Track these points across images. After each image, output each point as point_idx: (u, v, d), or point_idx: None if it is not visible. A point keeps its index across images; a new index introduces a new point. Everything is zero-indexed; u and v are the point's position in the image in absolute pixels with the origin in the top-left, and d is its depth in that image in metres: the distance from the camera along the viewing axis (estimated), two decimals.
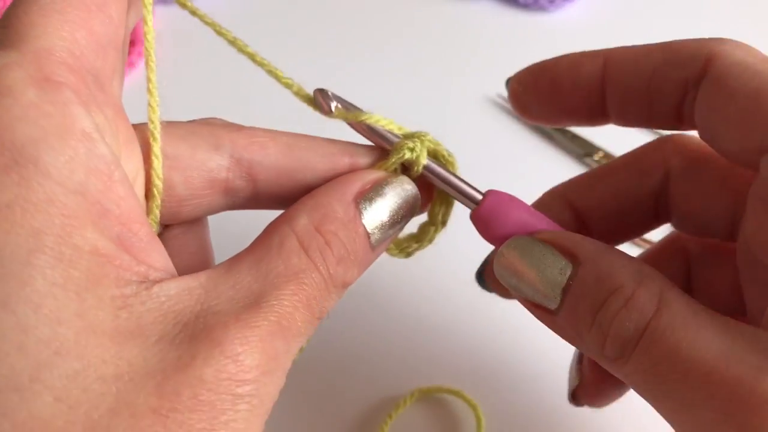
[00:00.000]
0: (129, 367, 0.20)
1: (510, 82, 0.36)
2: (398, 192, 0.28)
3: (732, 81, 0.27)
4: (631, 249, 0.36)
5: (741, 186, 0.30)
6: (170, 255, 0.28)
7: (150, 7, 0.27)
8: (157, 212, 0.27)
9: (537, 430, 0.42)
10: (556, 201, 0.35)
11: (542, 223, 0.30)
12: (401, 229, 0.29)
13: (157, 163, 0.26)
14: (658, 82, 0.30)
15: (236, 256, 0.25)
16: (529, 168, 0.56)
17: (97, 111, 0.23)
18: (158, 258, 0.23)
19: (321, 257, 0.25)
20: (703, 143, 0.30)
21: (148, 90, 0.27)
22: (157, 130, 0.26)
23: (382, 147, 0.30)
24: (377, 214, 0.27)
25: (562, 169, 0.56)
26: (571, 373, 0.38)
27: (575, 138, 0.57)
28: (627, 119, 0.33)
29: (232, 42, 0.30)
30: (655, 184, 0.33)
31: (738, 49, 0.28)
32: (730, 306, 0.32)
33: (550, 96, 0.34)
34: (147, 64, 0.28)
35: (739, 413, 0.21)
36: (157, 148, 0.26)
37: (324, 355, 0.45)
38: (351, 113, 0.29)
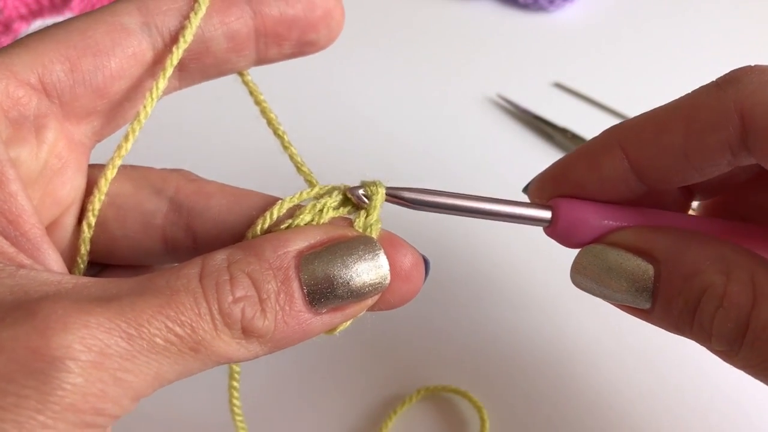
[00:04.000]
0: None
1: (529, 194, 0.32)
2: (359, 254, 0.25)
3: None
4: None
5: None
6: None
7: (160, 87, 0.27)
8: (84, 246, 0.28)
9: None
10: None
11: (618, 215, 0.29)
12: (365, 298, 0.25)
13: (98, 197, 0.27)
14: (697, 157, 0.27)
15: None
16: (529, 168, 0.56)
17: (24, 127, 0.25)
18: (48, 260, 0.24)
19: (214, 289, 0.22)
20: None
21: (125, 136, 0.28)
22: (111, 170, 0.27)
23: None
24: (324, 273, 0.24)
25: None
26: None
27: (575, 138, 0.57)
28: (699, 194, 0.33)
29: (273, 125, 0.30)
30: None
31: (763, 92, 0.25)
32: None
33: (577, 196, 0.30)
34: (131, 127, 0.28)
35: None
36: (103, 184, 0.27)
37: (332, 350, 0.45)
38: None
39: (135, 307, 0.21)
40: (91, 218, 0.27)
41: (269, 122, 0.30)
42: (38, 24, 0.67)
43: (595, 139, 0.30)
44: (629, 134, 0.29)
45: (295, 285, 0.24)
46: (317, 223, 0.26)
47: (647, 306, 0.27)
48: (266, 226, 0.26)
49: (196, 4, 0.27)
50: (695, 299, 0.26)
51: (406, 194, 0.27)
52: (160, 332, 0.21)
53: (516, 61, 0.66)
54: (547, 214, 0.28)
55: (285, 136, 0.29)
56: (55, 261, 0.24)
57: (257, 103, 0.30)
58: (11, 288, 0.21)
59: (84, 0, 0.70)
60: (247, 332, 0.23)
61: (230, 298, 0.22)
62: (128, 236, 0.28)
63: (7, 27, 0.67)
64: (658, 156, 0.28)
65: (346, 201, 0.27)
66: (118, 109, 0.27)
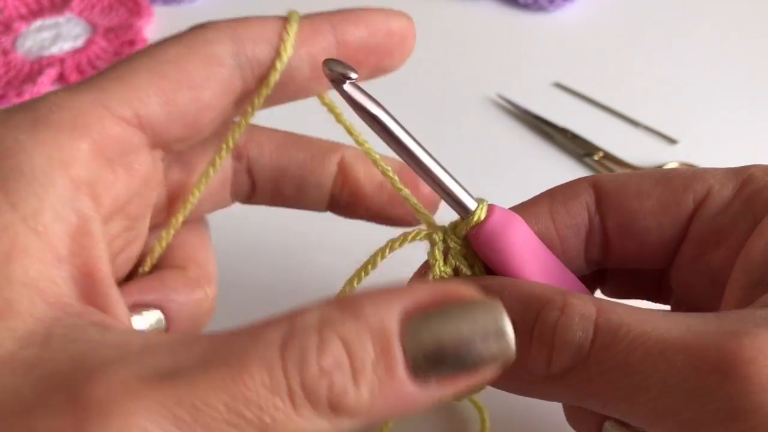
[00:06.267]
0: None
1: None
2: (477, 320, 0.20)
3: (631, 187, 0.29)
4: None
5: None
6: (178, 265, 0.30)
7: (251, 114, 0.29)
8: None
9: None
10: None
11: (544, 252, 0.29)
12: (481, 372, 0.20)
13: (177, 224, 0.30)
14: (559, 218, 0.30)
15: (221, 331, 0.20)
16: (529, 168, 0.56)
17: (119, 165, 0.25)
18: (118, 311, 0.23)
19: (297, 357, 0.19)
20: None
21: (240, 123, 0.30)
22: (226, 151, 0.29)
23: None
24: (433, 342, 0.20)
25: (562, 169, 0.56)
26: None
27: (575, 138, 0.57)
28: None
29: (362, 144, 0.30)
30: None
31: (607, 175, 0.30)
32: None
33: None
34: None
35: (734, 371, 0.21)
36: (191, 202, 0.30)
37: None
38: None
39: (195, 386, 0.18)
40: (164, 242, 0.30)
41: (358, 142, 0.29)
42: (38, 24, 0.67)
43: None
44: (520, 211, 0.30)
45: (398, 352, 0.19)
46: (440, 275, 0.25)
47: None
48: (365, 275, 0.25)
49: (285, 34, 0.27)
50: (534, 315, 0.24)
51: (347, 87, 0.25)
52: (220, 415, 0.18)
53: (516, 61, 0.66)
54: (477, 207, 0.27)
55: (381, 162, 0.29)
56: (123, 313, 0.23)
57: (339, 122, 0.30)
58: (73, 355, 0.19)
59: (84, 0, 0.70)
60: (336, 408, 0.19)
61: (316, 369, 0.19)
62: (212, 193, 0.31)
63: (7, 27, 0.67)
64: (530, 225, 0.29)
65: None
66: (200, 134, 0.28)
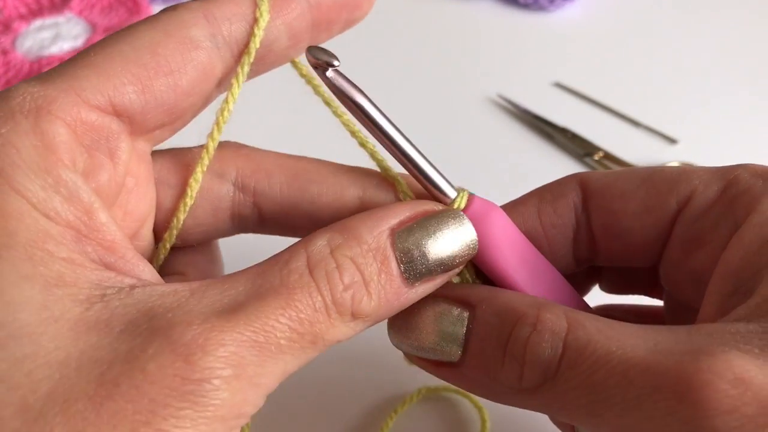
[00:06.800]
0: (80, 355, 0.21)
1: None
2: (448, 226, 0.26)
3: (616, 186, 0.29)
4: None
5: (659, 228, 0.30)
6: (178, 271, 0.29)
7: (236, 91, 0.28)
8: (164, 253, 0.28)
9: None
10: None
11: (522, 241, 0.29)
12: (453, 268, 0.26)
13: (182, 214, 0.28)
14: (547, 217, 0.31)
15: (243, 270, 0.24)
16: (529, 168, 0.56)
17: (98, 151, 0.25)
18: (150, 274, 0.24)
19: (325, 279, 0.24)
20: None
21: (206, 147, 0.28)
22: (200, 174, 0.28)
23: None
24: (417, 248, 0.25)
25: (562, 169, 0.56)
26: None
27: (575, 138, 0.57)
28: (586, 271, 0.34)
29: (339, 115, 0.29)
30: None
31: (595, 172, 0.30)
32: None
33: None
34: (217, 122, 0.28)
35: (690, 394, 0.21)
36: (194, 189, 0.28)
37: (332, 350, 0.44)
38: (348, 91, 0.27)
39: (260, 315, 0.22)
40: (174, 231, 0.28)
41: (336, 114, 0.29)
42: (38, 24, 0.67)
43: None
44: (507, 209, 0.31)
45: (393, 263, 0.25)
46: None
47: (457, 355, 0.26)
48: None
49: (258, 11, 0.26)
50: (508, 331, 0.25)
51: (330, 73, 0.26)
52: (284, 334, 0.23)
53: (516, 61, 0.66)
54: (455, 196, 0.28)
55: (359, 135, 0.29)
56: (151, 275, 0.24)
57: (317, 93, 0.29)
58: (137, 308, 0.22)
59: (84, 0, 0.70)
60: (355, 315, 0.24)
61: (341, 287, 0.24)
62: (199, 224, 0.29)
63: (7, 27, 0.67)
64: (518, 224, 0.30)
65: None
66: (181, 119, 0.27)
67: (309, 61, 0.26)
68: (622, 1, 0.71)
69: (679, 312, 0.32)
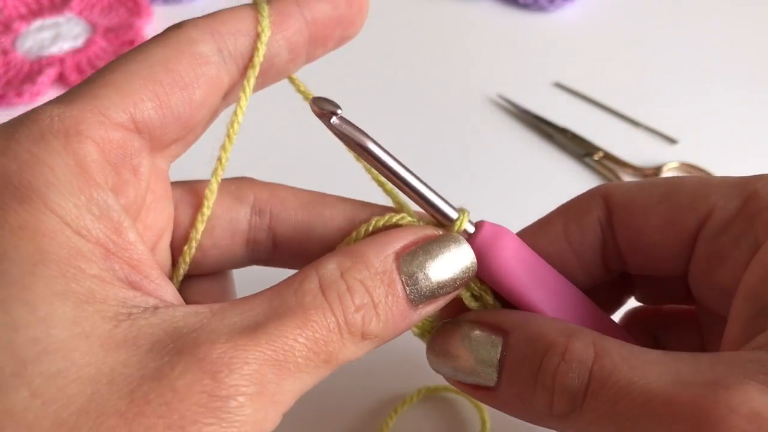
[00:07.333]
0: (110, 371, 0.21)
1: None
2: (449, 250, 0.27)
3: (638, 200, 0.30)
4: None
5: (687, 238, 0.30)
6: (194, 300, 0.29)
7: (244, 103, 0.29)
8: (184, 267, 0.29)
9: None
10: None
11: (535, 261, 0.30)
12: (454, 289, 0.28)
13: (201, 225, 0.29)
14: (573, 235, 0.32)
15: (258, 292, 0.25)
16: (529, 168, 0.56)
17: (124, 168, 0.25)
18: (172, 295, 0.25)
19: (338, 301, 0.25)
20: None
21: (219, 159, 0.29)
22: (213, 195, 0.29)
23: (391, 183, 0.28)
24: (421, 270, 0.27)
25: (562, 169, 0.56)
26: None
27: (575, 138, 0.57)
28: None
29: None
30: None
31: (617, 185, 0.31)
32: None
33: None
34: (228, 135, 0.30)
35: (707, 428, 0.21)
36: (207, 209, 0.29)
37: None
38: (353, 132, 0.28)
39: (280, 334, 0.23)
40: (193, 242, 0.29)
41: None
42: (38, 24, 0.67)
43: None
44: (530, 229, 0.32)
45: (399, 286, 0.26)
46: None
47: (492, 382, 0.27)
48: (357, 238, 0.28)
49: (260, 26, 0.28)
50: (539, 360, 0.26)
51: (335, 120, 0.27)
52: (302, 353, 0.24)
53: (516, 61, 0.66)
54: (470, 227, 0.29)
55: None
56: (173, 296, 0.25)
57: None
58: (162, 327, 0.23)
59: (84, 0, 0.70)
60: (365, 336, 0.25)
61: (352, 308, 0.25)
62: (216, 245, 0.30)
63: (7, 27, 0.67)
64: (545, 245, 0.31)
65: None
66: (193, 132, 0.28)
67: (313, 111, 0.27)
68: (622, 1, 0.71)
69: (711, 318, 0.32)
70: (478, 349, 0.28)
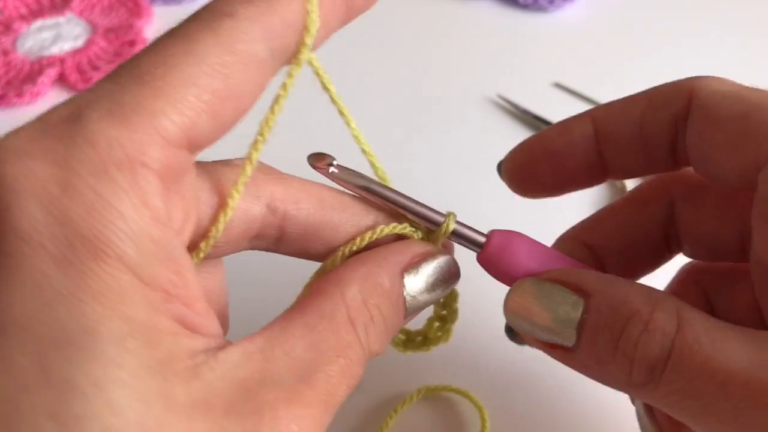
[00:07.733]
0: None
1: (502, 165, 0.35)
2: (442, 266, 0.29)
3: (716, 109, 0.28)
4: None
5: (744, 206, 0.29)
6: None
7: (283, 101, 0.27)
8: (196, 262, 0.28)
9: None
10: (570, 243, 0.35)
11: (550, 257, 0.30)
12: (437, 299, 0.30)
13: (221, 225, 0.27)
14: (648, 127, 0.31)
15: (288, 314, 0.26)
16: None
17: (175, 193, 0.24)
18: (213, 327, 0.24)
19: (365, 333, 0.26)
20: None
21: (254, 145, 0.27)
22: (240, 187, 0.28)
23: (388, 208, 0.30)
24: (419, 285, 0.28)
25: None
26: (642, 422, 0.35)
27: None
28: (625, 171, 0.33)
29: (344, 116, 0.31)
30: (662, 214, 0.33)
31: (715, 81, 0.29)
32: (752, 326, 0.32)
33: (546, 167, 0.34)
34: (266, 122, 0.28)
35: None
36: (235, 200, 0.28)
37: None
38: (351, 176, 0.30)
39: (332, 381, 0.24)
40: (211, 241, 0.28)
41: (342, 114, 0.31)
42: (38, 24, 0.68)
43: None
44: (601, 107, 0.33)
45: (402, 304, 0.28)
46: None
47: (571, 343, 0.27)
48: (358, 247, 0.29)
49: (309, 18, 0.25)
50: (621, 327, 0.26)
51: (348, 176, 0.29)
52: (345, 393, 0.25)
53: (516, 61, 0.66)
54: (481, 239, 0.30)
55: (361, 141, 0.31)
56: (216, 327, 0.25)
57: (325, 89, 0.30)
58: (228, 384, 0.23)
59: (84, 0, 0.70)
60: (375, 354, 0.27)
61: (374, 338, 0.26)
62: (228, 241, 0.29)
63: (7, 27, 0.67)
64: (618, 125, 0.32)
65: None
66: (224, 134, 0.27)
67: (311, 165, 0.29)
68: (622, 1, 0.71)
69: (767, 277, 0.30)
70: (558, 308, 0.27)
